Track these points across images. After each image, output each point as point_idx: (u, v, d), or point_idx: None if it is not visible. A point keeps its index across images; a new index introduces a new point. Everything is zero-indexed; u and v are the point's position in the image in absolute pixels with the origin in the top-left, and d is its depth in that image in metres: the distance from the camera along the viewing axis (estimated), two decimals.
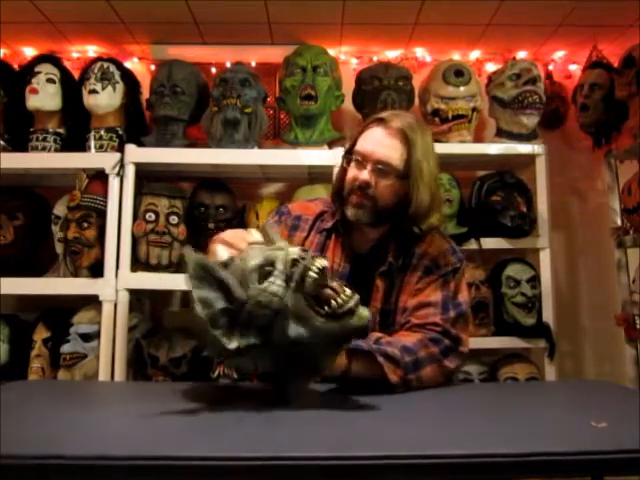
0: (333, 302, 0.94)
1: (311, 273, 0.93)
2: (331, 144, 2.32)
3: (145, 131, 2.32)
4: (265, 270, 0.95)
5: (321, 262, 0.95)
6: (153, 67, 2.57)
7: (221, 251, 1.05)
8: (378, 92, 2.28)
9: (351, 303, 0.94)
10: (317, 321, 0.94)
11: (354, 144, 1.30)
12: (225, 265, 0.98)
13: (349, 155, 1.30)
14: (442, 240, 1.34)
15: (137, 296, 2.23)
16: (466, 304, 1.28)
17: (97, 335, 2.06)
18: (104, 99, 2.21)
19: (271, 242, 1.04)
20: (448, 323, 1.21)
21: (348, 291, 0.96)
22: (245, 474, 0.69)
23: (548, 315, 2.22)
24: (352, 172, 1.27)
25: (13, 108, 2.27)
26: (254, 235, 1.07)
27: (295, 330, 0.93)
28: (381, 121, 1.28)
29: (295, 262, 0.94)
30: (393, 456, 0.71)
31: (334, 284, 0.96)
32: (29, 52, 2.55)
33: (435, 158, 1.30)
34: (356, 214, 1.26)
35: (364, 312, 0.96)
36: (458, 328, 1.23)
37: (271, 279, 0.94)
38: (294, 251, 0.96)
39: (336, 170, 1.41)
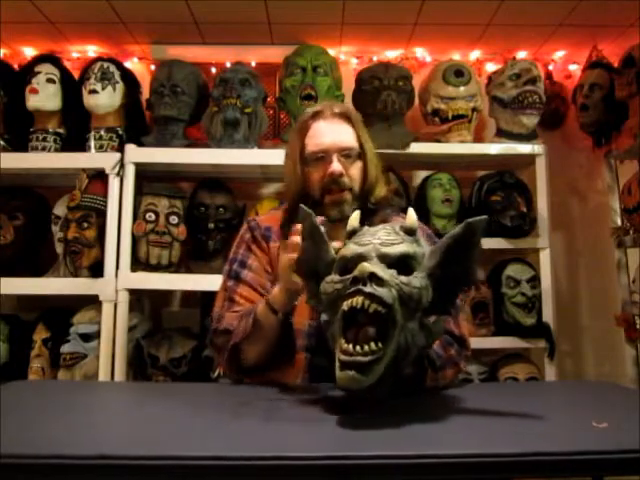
0: (344, 343, 0.86)
1: (352, 301, 0.84)
2: None
3: (145, 131, 2.32)
4: (345, 265, 0.91)
5: (371, 305, 0.83)
6: (153, 67, 2.57)
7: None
8: (378, 92, 2.28)
9: (363, 360, 0.84)
10: (332, 346, 0.90)
11: (303, 148, 1.27)
12: (350, 235, 0.97)
13: (302, 161, 1.27)
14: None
15: (137, 296, 2.23)
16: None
17: (97, 335, 2.06)
18: (104, 99, 2.21)
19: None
20: (451, 324, 1.21)
21: (379, 345, 0.84)
22: (245, 474, 0.69)
23: (548, 315, 2.22)
24: (316, 172, 1.25)
25: (13, 108, 2.27)
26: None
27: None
28: (318, 114, 1.29)
29: (357, 281, 0.85)
30: (393, 456, 0.71)
31: (370, 328, 0.85)
32: (29, 52, 2.55)
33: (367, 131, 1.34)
34: (340, 210, 1.23)
35: (368, 381, 0.83)
36: (459, 326, 1.23)
37: (336, 278, 0.91)
38: (367, 268, 0.85)
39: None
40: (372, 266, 0.86)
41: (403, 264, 0.89)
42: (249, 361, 1.20)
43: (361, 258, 0.89)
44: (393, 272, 0.87)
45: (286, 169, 1.34)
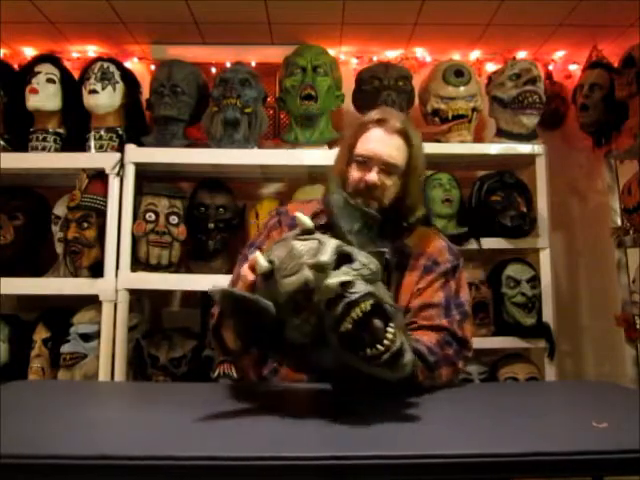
0: (369, 350, 0.83)
1: (353, 314, 0.82)
2: (331, 144, 2.31)
3: (145, 131, 2.32)
4: (294, 300, 0.87)
5: (366, 304, 0.83)
6: (153, 67, 2.56)
7: (261, 261, 0.94)
8: (378, 92, 2.28)
9: (394, 347, 0.82)
10: (355, 363, 0.85)
11: (354, 146, 1.30)
12: (266, 276, 0.91)
13: (350, 156, 1.30)
14: (439, 239, 1.37)
15: (137, 296, 2.23)
16: (468, 302, 1.30)
17: (97, 335, 2.06)
18: (104, 99, 2.21)
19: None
20: (454, 325, 1.23)
21: (391, 330, 0.83)
22: (243, 474, 0.69)
23: (548, 315, 2.22)
24: (356, 173, 1.28)
25: (13, 108, 2.27)
26: (261, 263, 0.93)
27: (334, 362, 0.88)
28: (380, 122, 1.30)
29: (336, 299, 0.83)
30: (393, 456, 0.71)
31: (376, 322, 0.84)
32: (29, 52, 2.55)
33: (424, 154, 1.35)
34: None
35: (407, 358, 0.84)
36: (464, 329, 1.24)
37: (304, 315, 0.86)
38: (335, 284, 0.83)
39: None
40: (332, 280, 0.84)
41: (341, 256, 0.89)
42: (231, 344, 1.20)
43: (309, 283, 0.86)
44: (344, 268, 0.87)
45: (336, 157, 1.38)
